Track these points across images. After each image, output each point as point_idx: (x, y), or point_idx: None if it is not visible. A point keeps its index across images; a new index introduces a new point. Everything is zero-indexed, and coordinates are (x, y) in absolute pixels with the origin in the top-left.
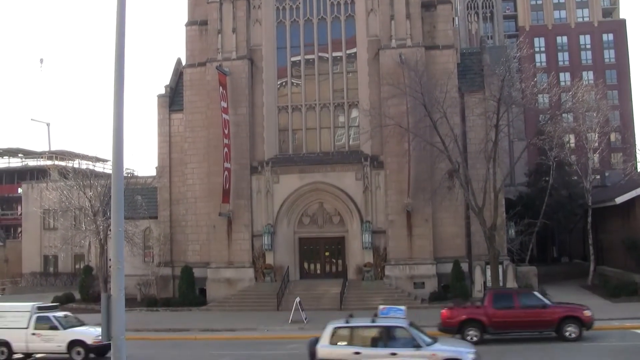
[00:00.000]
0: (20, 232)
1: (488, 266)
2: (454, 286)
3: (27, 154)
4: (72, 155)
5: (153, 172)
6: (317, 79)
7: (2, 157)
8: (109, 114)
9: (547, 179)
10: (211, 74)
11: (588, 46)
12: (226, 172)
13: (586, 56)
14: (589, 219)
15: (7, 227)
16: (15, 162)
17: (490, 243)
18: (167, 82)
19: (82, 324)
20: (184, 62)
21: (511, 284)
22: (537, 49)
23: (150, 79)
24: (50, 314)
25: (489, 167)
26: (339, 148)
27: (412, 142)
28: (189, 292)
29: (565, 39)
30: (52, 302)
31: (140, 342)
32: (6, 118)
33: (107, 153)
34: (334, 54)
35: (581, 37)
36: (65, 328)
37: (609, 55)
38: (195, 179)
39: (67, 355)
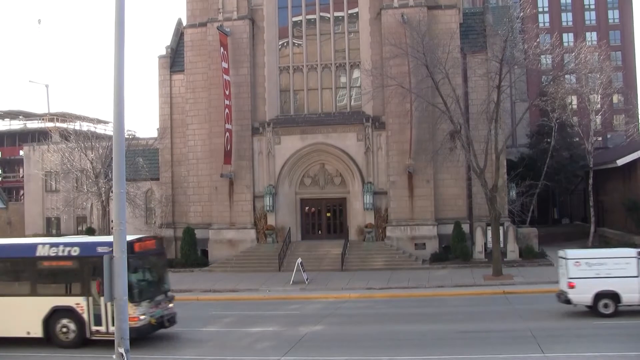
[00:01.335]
0: (23, 194)
1: (489, 227)
2: (455, 247)
3: (28, 116)
4: (73, 117)
5: (154, 134)
6: (318, 39)
7: (3, 119)
8: (110, 75)
9: (548, 140)
10: (212, 34)
11: (592, 6)
12: (227, 133)
13: (590, 16)
14: (590, 181)
15: (10, 190)
16: (16, 124)
17: (492, 204)
18: (168, 43)
19: None
20: (184, 23)
21: (512, 245)
22: (540, 9)
23: (150, 40)
24: None
25: (490, 129)
26: (341, 109)
27: (413, 102)
28: (191, 253)
29: None
30: None
31: None
32: (4, 80)
33: (108, 115)
34: (336, 14)
35: None
36: None
37: (613, 15)
38: (196, 140)
39: None
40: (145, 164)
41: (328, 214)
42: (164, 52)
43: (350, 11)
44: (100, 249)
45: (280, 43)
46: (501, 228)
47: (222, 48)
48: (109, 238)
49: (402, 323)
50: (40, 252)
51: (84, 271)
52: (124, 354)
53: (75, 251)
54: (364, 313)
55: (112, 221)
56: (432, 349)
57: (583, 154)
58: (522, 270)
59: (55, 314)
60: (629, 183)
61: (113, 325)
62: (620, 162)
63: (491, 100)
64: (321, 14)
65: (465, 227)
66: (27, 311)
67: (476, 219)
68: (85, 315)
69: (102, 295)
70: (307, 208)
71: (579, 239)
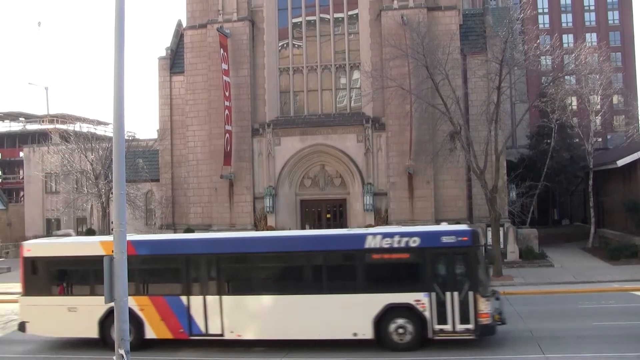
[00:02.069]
0: (23, 195)
1: (489, 228)
2: None
3: (28, 117)
4: (73, 119)
5: (154, 135)
6: (318, 40)
7: (3, 120)
8: (110, 77)
9: (548, 141)
10: (212, 35)
11: (592, 7)
12: (227, 135)
13: (590, 17)
14: (590, 182)
15: (10, 191)
16: (16, 126)
17: (492, 205)
18: (168, 44)
19: None
20: (184, 24)
21: (512, 246)
22: (540, 10)
23: (150, 41)
24: None
25: (490, 129)
26: (341, 110)
27: (413, 104)
28: None
29: (569, 0)
30: None
31: None
32: (4, 81)
33: (108, 116)
34: (336, 15)
35: None
36: None
37: (613, 16)
38: (196, 141)
39: None
40: (145, 165)
41: (328, 215)
42: (163, 54)
43: (350, 12)
44: (445, 239)
45: (280, 44)
46: (501, 229)
47: (222, 49)
48: (453, 227)
49: None
50: (370, 243)
51: (426, 264)
52: (125, 355)
53: (414, 242)
54: None
55: (112, 222)
56: (433, 349)
57: (583, 154)
58: (522, 271)
59: (389, 312)
60: (629, 184)
61: (461, 323)
62: (621, 162)
63: (491, 101)
64: (321, 15)
65: None
66: (354, 310)
67: (476, 220)
68: (427, 313)
69: (457, 290)
70: (307, 209)
71: (579, 240)
